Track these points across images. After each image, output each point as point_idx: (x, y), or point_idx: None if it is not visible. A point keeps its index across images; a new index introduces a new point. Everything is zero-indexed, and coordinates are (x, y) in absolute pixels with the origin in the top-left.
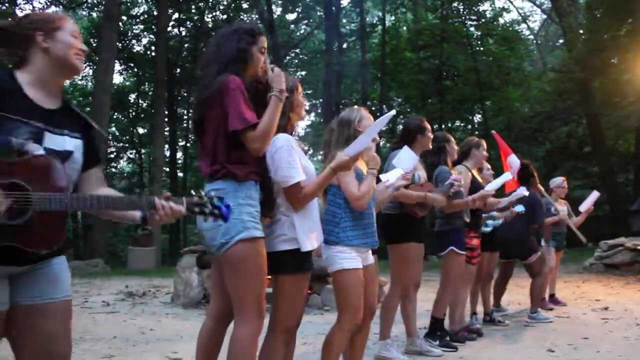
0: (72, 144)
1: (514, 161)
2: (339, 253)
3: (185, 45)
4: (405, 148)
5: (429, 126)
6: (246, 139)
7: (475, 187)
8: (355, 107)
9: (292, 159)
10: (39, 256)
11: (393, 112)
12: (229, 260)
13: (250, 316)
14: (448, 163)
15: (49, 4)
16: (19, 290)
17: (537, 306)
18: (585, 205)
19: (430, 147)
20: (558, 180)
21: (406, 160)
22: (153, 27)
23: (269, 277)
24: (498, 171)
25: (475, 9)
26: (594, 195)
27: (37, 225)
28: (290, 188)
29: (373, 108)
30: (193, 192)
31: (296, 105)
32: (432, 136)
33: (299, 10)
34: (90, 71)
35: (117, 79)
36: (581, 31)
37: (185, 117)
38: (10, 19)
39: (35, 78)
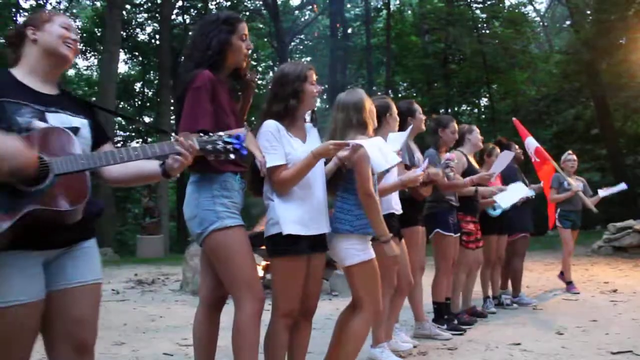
0: (77, 121)
1: (530, 143)
2: (357, 245)
3: (190, 33)
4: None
5: (419, 108)
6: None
7: (469, 172)
8: (360, 89)
9: (269, 145)
10: (71, 238)
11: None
12: (208, 250)
13: (242, 299)
14: (439, 147)
15: None
16: (52, 276)
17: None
18: (606, 192)
19: (424, 128)
20: (564, 155)
21: (395, 140)
22: (157, 15)
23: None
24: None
25: None
26: (621, 187)
27: (60, 188)
28: (269, 173)
29: (379, 93)
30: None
31: (302, 93)
32: (423, 118)
33: None
34: (95, 61)
35: (122, 68)
36: (588, 12)
37: None
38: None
39: (29, 69)
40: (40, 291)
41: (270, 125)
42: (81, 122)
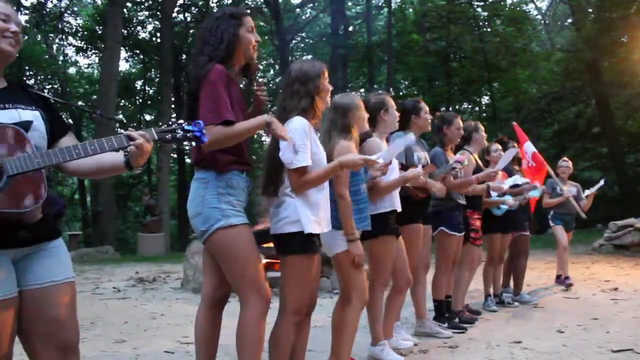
0: (29, 114)
1: (529, 148)
2: (343, 236)
3: (191, 31)
4: (397, 134)
5: (425, 107)
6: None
7: (477, 171)
8: (354, 94)
9: (301, 143)
10: (34, 237)
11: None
12: (212, 248)
13: (249, 298)
14: (445, 145)
15: None
16: (21, 275)
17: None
18: (590, 192)
19: (429, 128)
20: (559, 161)
21: (391, 149)
22: (158, 13)
23: (272, 260)
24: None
25: None
26: (600, 184)
27: (15, 188)
28: (293, 171)
29: (380, 91)
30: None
31: (321, 91)
32: (428, 117)
33: None
34: (96, 59)
35: (124, 66)
36: (590, 10)
37: None
38: None
39: None
40: (14, 287)
41: (302, 123)
42: (33, 115)
